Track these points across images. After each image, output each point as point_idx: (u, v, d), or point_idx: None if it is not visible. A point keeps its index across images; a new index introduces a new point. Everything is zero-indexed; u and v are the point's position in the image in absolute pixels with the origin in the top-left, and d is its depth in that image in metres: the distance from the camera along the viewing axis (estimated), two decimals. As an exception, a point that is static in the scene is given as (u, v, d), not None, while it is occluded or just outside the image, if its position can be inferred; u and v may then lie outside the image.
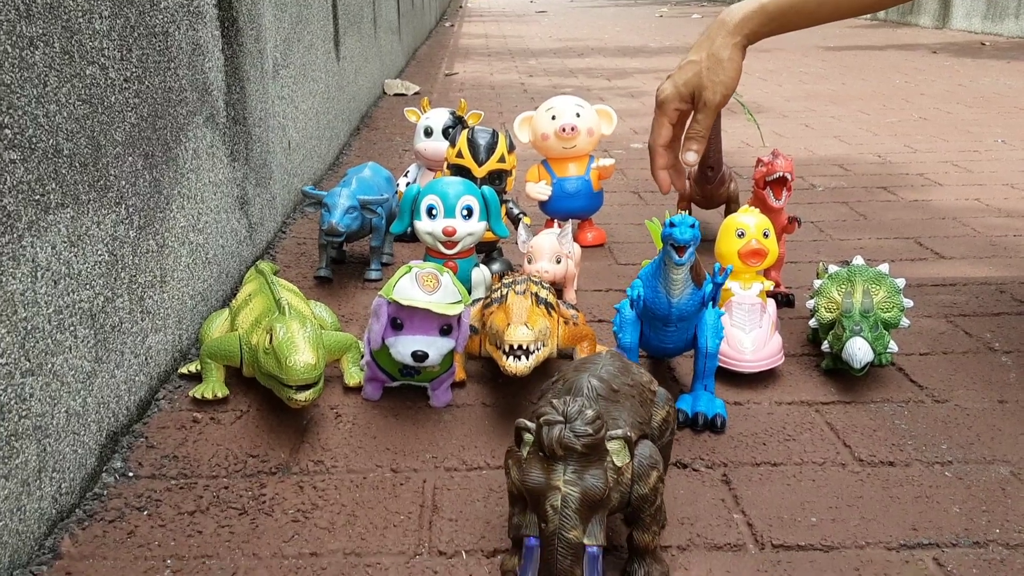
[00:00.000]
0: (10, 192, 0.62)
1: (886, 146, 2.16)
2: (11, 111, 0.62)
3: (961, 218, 1.53)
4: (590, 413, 0.56)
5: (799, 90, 3.13)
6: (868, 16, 6.44)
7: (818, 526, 0.69)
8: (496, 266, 1.22)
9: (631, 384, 0.64)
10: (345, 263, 1.30)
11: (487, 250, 1.23)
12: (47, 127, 0.67)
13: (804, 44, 4.73)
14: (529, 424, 0.58)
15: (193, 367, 0.92)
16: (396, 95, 3.04)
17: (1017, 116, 2.53)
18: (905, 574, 0.64)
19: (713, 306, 0.83)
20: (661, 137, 1.07)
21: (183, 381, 0.92)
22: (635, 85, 3.32)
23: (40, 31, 0.66)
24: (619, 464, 0.58)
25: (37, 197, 0.65)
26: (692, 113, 1.05)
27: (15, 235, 0.62)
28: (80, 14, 0.72)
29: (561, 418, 0.56)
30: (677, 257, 0.77)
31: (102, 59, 0.76)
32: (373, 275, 1.23)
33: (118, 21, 0.80)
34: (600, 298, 1.18)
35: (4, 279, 0.61)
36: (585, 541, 0.55)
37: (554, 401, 0.57)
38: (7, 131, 0.61)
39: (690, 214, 1.42)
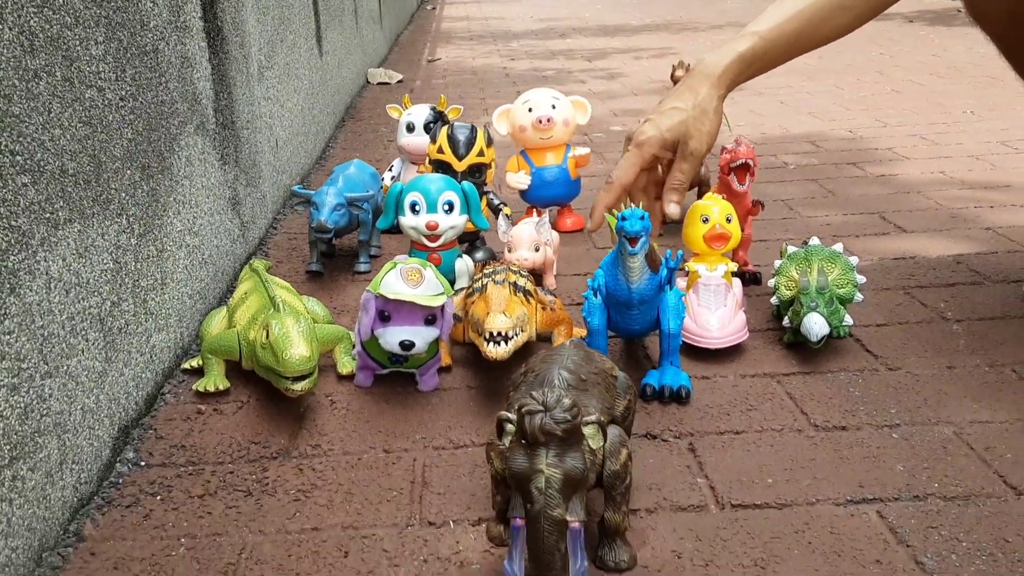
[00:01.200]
0: (24, 212, 0.68)
1: (858, 121, 2.22)
2: (21, 139, 0.68)
3: (925, 192, 1.60)
4: (567, 401, 0.60)
5: (776, 65, 3.18)
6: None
7: (773, 486, 0.76)
8: (479, 254, 1.28)
9: (596, 372, 0.70)
10: (335, 256, 1.36)
11: (470, 240, 1.29)
12: (53, 150, 0.73)
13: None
14: (511, 416, 0.62)
15: (195, 362, 0.99)
16: (380, 84, 3.09)
17: (986, 86, 2.59)
18: (850, 527, 0.71)
19: (671, 288, 0.90)
20: (628, 175, 1.00)
21: (186, 375, 0.99)
22: (614, 66, 3.37)
23: (43, 63, 0.72)
24: (594, 447, 0.63)
25: (47, 215, 0.71)
26: (673, 162, 1.01)
27: (30, 251, 0.68)
28: (78, 42, 0.78)
29: (541, 407, 0.60)
30: (630, 247, 0.84)
31: (99, 82, 0.82)
32: (362, 267, 1.29)
33: (112, 44, 0.86)
34: (579, 282, 1.24)
35: (22, 291, 0.67)
36: (568, 518, 0.60)
37: (533, 392, 0.62)
38: (19, 157, 0.67)
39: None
